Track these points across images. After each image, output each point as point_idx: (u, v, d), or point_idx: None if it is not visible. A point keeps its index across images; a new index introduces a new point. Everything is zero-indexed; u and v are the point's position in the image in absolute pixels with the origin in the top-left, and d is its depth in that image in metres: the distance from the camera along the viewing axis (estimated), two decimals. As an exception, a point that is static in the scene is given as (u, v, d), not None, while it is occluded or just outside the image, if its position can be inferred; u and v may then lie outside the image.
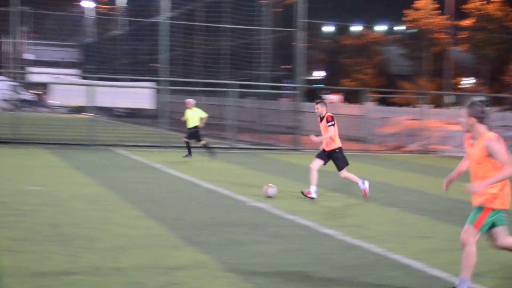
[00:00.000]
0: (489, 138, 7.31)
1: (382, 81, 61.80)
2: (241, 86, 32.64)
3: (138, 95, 30.99)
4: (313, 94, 55.24)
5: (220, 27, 39.28)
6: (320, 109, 15.09)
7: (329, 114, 15.03)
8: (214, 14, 39.36)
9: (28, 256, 8.84)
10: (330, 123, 14.89)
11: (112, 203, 13.54)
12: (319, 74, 68.61)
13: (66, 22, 59.45)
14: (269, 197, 14.74)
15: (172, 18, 36.50)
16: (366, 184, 15.32)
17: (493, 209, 7.37)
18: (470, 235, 7.41)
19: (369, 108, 34.77)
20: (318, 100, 15.56)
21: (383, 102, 46.22)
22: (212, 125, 38.08)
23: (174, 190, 15.87)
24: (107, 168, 20.42)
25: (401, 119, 35.36)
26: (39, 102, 58.25)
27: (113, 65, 51.01)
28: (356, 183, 15.38)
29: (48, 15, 54.84)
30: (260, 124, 34.78)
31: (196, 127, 23.60)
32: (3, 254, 8.86)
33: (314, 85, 62.58)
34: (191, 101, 23.92)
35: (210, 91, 40.74)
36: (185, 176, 18.58)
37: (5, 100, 34.92)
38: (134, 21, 48.41)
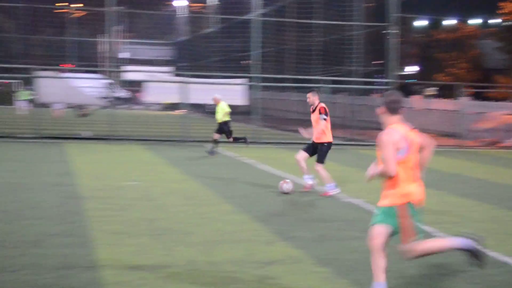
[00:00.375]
0: (385, 130, 6.93)
1: (477, 75, 60.40)
2: (333, 82, 32.50)
3: (230, 91, 31.14)
4: (406, 89, 54.52)
5: (311, 23, 39.19)
6: (311, 98, 14.69)
7: (322, 105, 14.58)
8: (305, 10, 39.28)
9: (126, 249, 9.03)
10: (323, 116, 14.46)
11: (206, 198, 13.69)
12: (411, 69, 67.65)
13: (159, 21, 60.51)
14: (285, 193, 14.50)
15: (263, 15, 36.63)
16: (334, 191, 14.47)
17: (407, 204, 6.87)
18: (413, 245, 7.03)
19: (464, 103, 34.08)
20: (310, 89, 15.12)
21: (478, 96, 45.19)
22: (304, 121, 38.08)
23: (267, 185, 15.91)
24: (200, 163, 20.65)
25: (497, 114, 34.52)
26: (133, 100, 59.44)
27: (205, 62, 51.55)
28: (324, 184, 14.61)
29: (142, 15, 55.94)
30: (352, 119, 34.53)
31: (225, 122, 23.55)
32: (102, 247, 9.08)
33: (406, 80, 61.73)
34: (216, 96, 23.97)
35: (302, 87, 40.69)
36: (278, 172, 18.63)
37: (101, 98, 35.74)
38: (226, 19, 48.77)
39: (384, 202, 6.95)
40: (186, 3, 59.09)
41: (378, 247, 7.00)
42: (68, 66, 50.81)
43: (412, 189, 6.90)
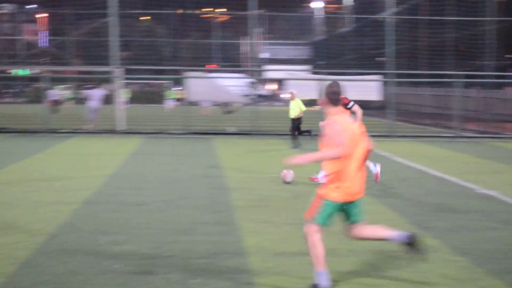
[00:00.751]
0: (330, 120, 6.68)
1: None
2: (466, 77, 31.61)
3: (366, 87, 30.86)
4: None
5: (443, 19, 38.27)
6: None
7: (343, 96, 13.83)
8: (437, 7, 38.42)
9: (270, 237, 9.12)
10: (351, 104, 13.69)
11: (344, 190, 13.57)
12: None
13: (297, 22, 60.74)
14: (287, 182, 14.11)
15: (396, 13, 36.11)
16: (378, 168, 14.19)
17: (325, 199, 6.63)
18: (308, 226, 6.79)
19: None
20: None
21: None
22: (437, 115, 37.23)
23: (403, 177, 15.65)
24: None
25: None
26: (274, 97, 59.98)
27: (341, 60, 51.30)
28: (367, 167, 13.96)
29: (281, 17, 56.32)
30: (485, 113, 33.47)
31: (298, 118, 23.40)
32: (248, 235, 9.20)
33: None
34: (293, 91, 23.79)
35: (435, 82, 39.79)
36: (413, 164, 18.29)
37: (244, 95, 36.26)
38: (360, 18, 48.40)
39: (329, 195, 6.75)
40: (323, 4, 59.01)
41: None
42: (214, 66, 51.88)
43: (346, 190, 6.70)
